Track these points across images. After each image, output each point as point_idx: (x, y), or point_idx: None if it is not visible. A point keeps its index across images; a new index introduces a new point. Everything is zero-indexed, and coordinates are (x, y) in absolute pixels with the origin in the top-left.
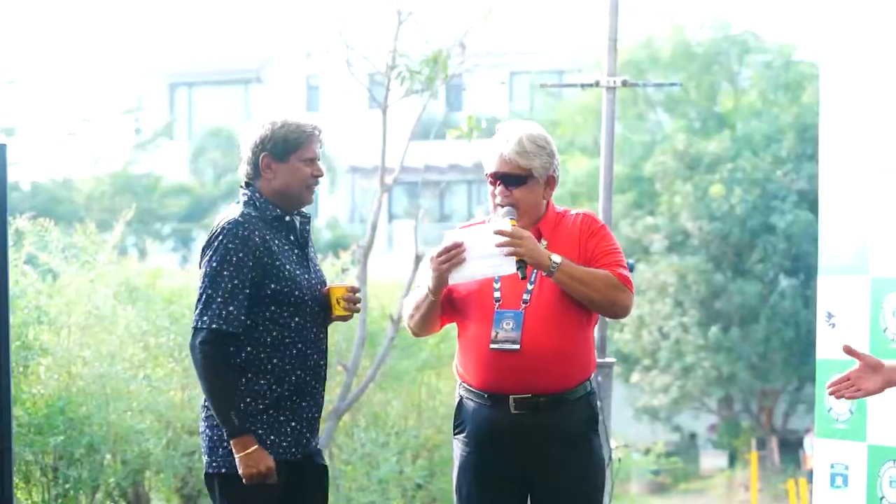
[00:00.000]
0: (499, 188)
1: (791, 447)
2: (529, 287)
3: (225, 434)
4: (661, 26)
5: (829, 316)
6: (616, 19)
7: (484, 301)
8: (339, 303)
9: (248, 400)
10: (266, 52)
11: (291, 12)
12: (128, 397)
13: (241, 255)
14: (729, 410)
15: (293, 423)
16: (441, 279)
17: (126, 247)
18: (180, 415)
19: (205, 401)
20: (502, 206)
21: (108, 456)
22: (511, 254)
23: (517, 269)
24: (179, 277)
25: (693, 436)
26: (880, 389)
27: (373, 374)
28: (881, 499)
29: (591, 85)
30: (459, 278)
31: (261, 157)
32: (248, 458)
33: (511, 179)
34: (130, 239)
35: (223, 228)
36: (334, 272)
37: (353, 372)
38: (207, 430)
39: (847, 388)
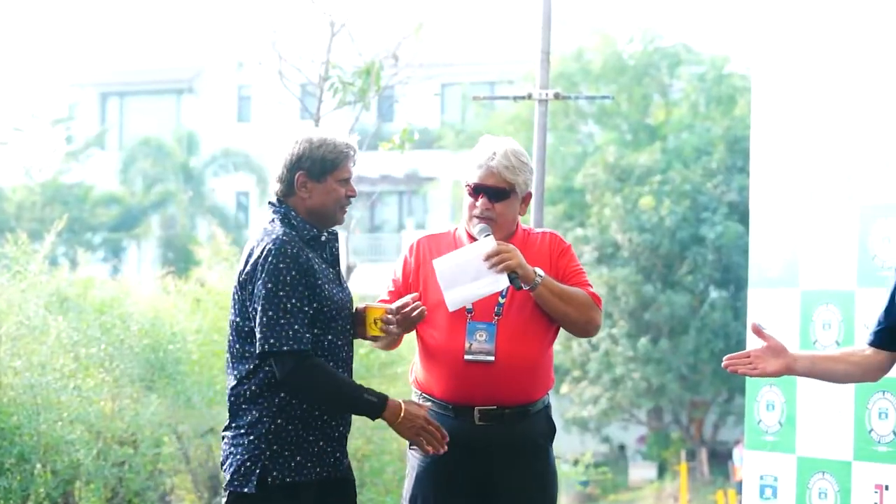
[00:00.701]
0: (482, 201)
1: (720, 459)
2: (501, 300)
3: (371, 419)
4: (593, 38)
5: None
6: (549, 33)
7: (455, 312)
8: (375, 323)
9: (279, 421)
10: (198, 63)
11: (224, 23)
12: (58, 407)
13: (294, 273)
14: (658, 422)
15: (321, 443)
16: (406, 331)
17: (56, 256)
18: (110, 425)
19: (228, 419)
20: (479, 220)
21: (39, 466)
22: (504, 268)
23: (511, 281)
24: (110, 287)
25: (622, 447)
26: (778, 373)
27: None
28: None
29: (523, 97)
30: (457, 303)
31: (297, 176)
32: (405, 423)
33: (495, 193)
34: (61, 248)
35: (270, 249)
36: None
37: None
38: (231, 449)
39: (745, 365)
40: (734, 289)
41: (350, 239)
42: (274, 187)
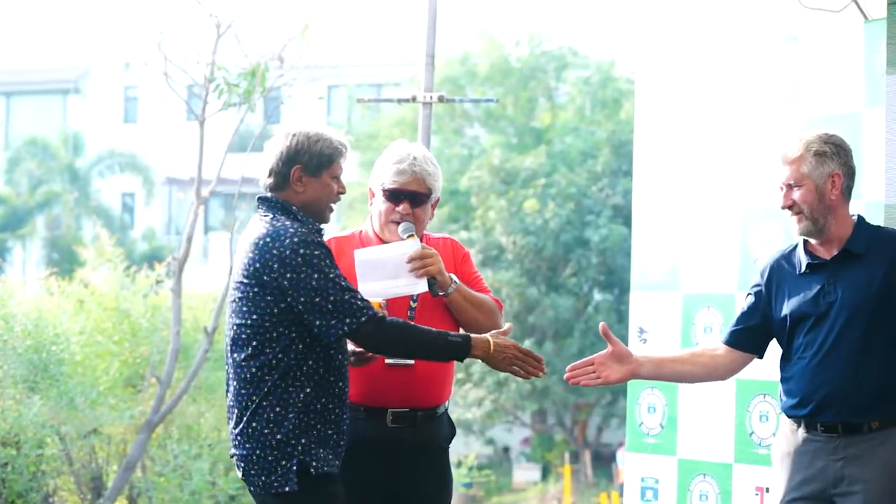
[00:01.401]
0: (403, 206)
1: (604, 461)
2: (412, 304)
3: (460, 360)
4: (479, 42)
5: (641, 331)
6: (434, 37)
7: None
8: None
9: (302, 416)
10: (84, 63)
11: (110, 23)
12: None
13: (327, 260)
14: (542, 424)
15: (335, 436)
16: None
17: None
18: None
19: (241, 421)
20: (397, 223)
21: None
22: (425, 273)
23: (429, 286)
24: None
25: (506, 449)
26: (622, 380)
27: (186, 386)
28: None
29: (407, 100)
30: (370, 295)
31: (293, 169)
32: (497, 355)
33: (416, 198)
34: None
35: (296, 242)
36: (148, 284)
37: (167, 384)
38: (258, 452)
39: (586, 374)
40: (618, 292)
41: (234, 240)
42: (264, 182)
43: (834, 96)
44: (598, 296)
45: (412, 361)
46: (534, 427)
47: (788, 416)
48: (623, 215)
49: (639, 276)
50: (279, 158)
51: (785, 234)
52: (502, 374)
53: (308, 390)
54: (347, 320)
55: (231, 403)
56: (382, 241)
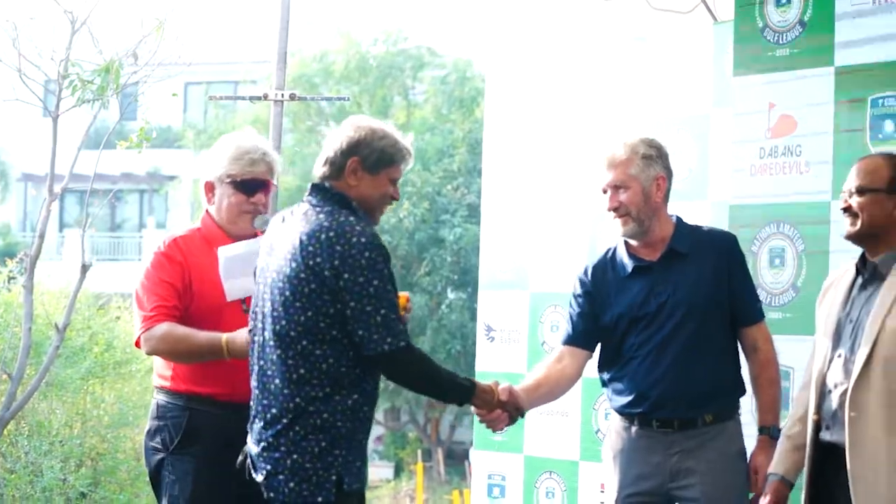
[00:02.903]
0: (258, 196)
1: (457, 459)
2: None
3: (459, 405)
4: (337, 40)
5: (489, 329)
6: (286, 35)
7: (235, 312)
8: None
9: (349, 424)
10: None
11: None
12: None
13: (387, 270)
14: (395, 422)
15: (364, 444)
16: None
17: None
18: None
19: (278, 423)
20: (254, 214)
21: None
22: None
23: None
24: None
25: None
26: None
27: (37, 382)
28: None
29: (259, 98)
30: (236, 293)
31: (350, 161)
32: (499, 405)
33: (269, 187)
34: None
35: (364, 243)
36: (1, 280)
37: (18, 380)
38: (295, 456)
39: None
40: (472, 290)
41: (88, 237)
42: (319, 171)
43: (682, 97)
44: (451, 294)
45: None
46: (387, 425)
47: (621, 414)
48: (478, 215)
49: (487, 274)
50: (338, 148)
51: None
52: None
53: (356, 397)
54: (389, 339)
55: (267, 402)
56: (229, 236)
